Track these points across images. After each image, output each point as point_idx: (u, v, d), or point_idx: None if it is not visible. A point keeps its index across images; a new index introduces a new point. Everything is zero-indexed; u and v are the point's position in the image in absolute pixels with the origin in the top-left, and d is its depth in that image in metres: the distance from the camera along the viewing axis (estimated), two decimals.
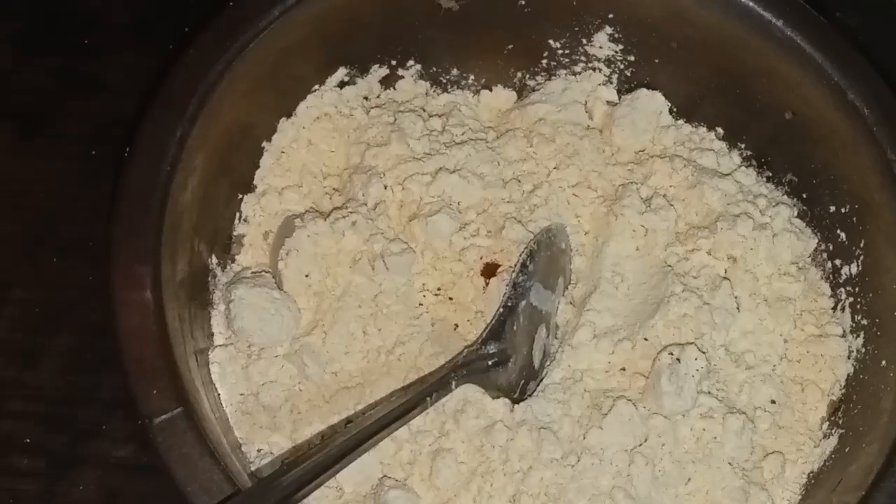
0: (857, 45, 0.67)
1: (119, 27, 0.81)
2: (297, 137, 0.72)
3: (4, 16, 0.81)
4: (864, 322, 0.66)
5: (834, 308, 0.69)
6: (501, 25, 0.73)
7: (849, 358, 0.66)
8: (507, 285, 0.66)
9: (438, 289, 0.68)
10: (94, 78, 0.78)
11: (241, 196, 0.70)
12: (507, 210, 0.70)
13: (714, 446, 0.63)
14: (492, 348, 0.64)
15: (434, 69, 0.75)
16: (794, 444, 0.65)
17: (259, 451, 0.62)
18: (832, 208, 0.69)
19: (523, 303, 0.66)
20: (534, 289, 0.66)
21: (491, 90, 0.77)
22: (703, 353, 0.64)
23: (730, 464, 0.63)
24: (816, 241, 0.70)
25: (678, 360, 0.63)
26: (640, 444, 0.62)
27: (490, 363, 0.64)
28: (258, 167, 0.71)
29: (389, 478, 0.61)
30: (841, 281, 0.68)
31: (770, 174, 0.73)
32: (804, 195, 0.71)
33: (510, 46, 0.75)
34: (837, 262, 0.69)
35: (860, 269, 0.67)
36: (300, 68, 0.71)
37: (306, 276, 0.66)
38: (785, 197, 0.72)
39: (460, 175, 0.69)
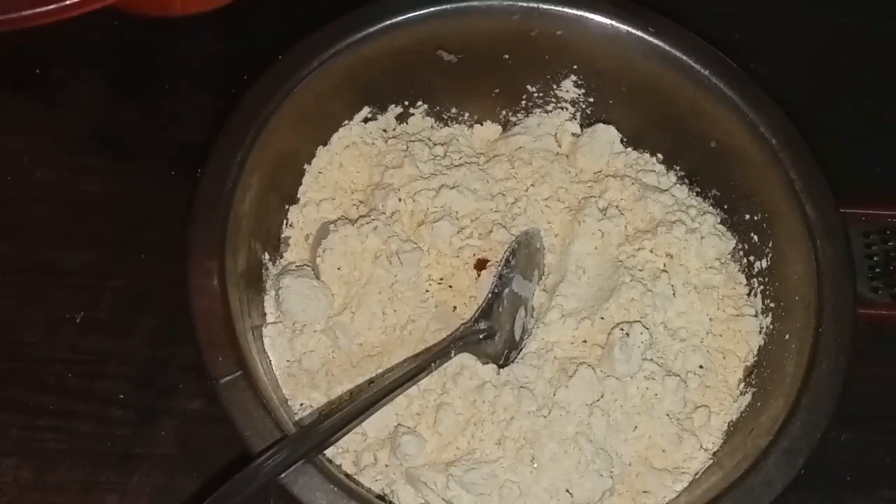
0: (767, 89, 0.67)
1: (195, 73, 0.81)
2: (331, 161, 0.71)
3: (102, 64, 0.81)
4: (772, 305, 0.66)
5: (748, 294, 0.68)
6: (490, 74, 0.73)
7: (760, 332, 0.66)
8: (495, 276, 0.66)
9: (441, 279, 0.68)
10: (173, 113, 0.78)
11: (287, 206, 0.69)
12: (495, 217, 0.69)
13: (655, 401, 0.63)
14: (482, 325, 0.64)
15: (437, 108, 0.75)
16: (717, 400, 0.64)
17: (301, 405, 0.62)
18: (747, 216, 0.69)
19: (507, 290, 0.65)
20: (515, 279, 0.66)
21: (482, 125, 0.76)
22: (647, 329, 0.63)
23: (667, 415, 0.63)
24: (735, 241, 0.70)
25: (627, 334, 0.62)
26: (598, 400, 0.62)
27: (481, 337, 0.63)
28: (301, 184, 0.70)
29: (403, 426, 0.61)
30: (754, 273, 0.68)
31: (699, 190, 0.72)
32: (725, 206, 0.71)
33: (497, 90, 0.74)
34: (751, 258, 0.68)
35: (769, 264, 0.67)
36: (334, 107, 0.70)
37: (338, 268, 0.66)
38: (710, 207, 0.71)
39: (458, 190, 0.69)
